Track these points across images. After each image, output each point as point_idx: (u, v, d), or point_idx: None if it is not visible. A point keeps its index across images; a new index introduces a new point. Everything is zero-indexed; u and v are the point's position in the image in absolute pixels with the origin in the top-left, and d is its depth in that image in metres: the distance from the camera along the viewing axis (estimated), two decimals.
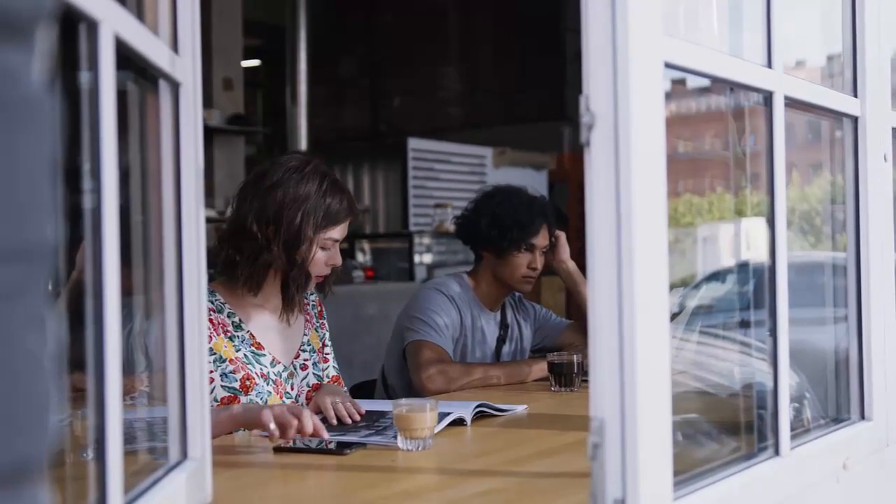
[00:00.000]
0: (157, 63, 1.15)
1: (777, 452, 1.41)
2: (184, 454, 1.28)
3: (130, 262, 1.19)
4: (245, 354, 2.14)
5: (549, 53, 8.19)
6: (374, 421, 2.02)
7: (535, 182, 6.55)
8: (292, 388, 2.22)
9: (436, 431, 1.82)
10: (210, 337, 2.08)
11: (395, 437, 1.78)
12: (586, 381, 2.42)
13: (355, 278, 5.94)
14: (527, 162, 7.60)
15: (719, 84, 1.47)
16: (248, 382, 2.10)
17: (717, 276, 2.24)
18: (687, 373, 1.60)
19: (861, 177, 1.71)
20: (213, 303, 2.14)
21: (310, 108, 7.72)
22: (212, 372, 2.07)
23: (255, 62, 9.35)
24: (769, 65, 1.41)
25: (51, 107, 0.58)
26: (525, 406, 2.26)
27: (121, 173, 0.95)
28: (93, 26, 0.90)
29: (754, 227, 1.61)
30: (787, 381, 1.42)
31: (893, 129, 1.80)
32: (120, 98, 0.96)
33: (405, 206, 7.20)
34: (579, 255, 2.47)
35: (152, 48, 1.12)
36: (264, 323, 2.21)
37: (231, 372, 2.10)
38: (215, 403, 2.07)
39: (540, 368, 2.68)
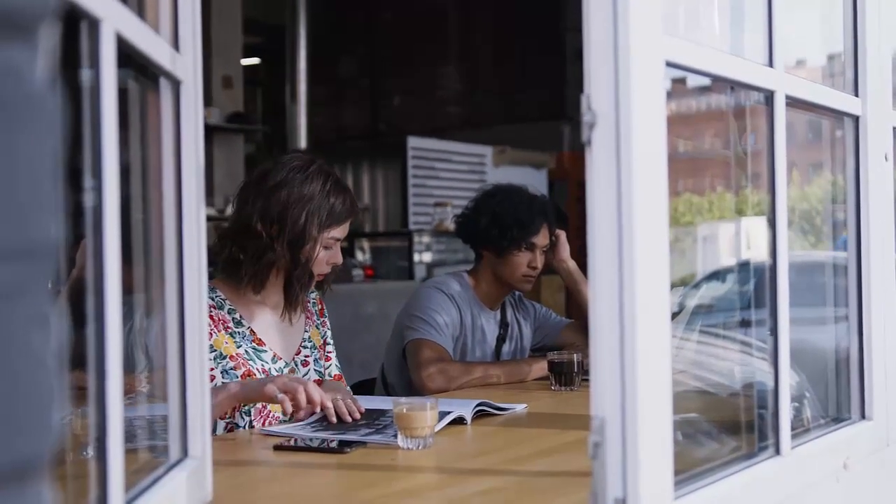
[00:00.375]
0: (158, 61, 1.15)
1: (777, 452, 1.41)
2: (184, 452, 1.28)
3: (131, 260, 1.19)
4: (246, 351, 2.14)
5: (549, 53, 8.19)
6: (374, 419, 2.02)
7: (534, 181, 6.54)
8: None
9: (436, 430, 1.82)
10: (211, 334, 2.08)
11: (396, 435, 1.79)
12: (586, 380, 2.42)
13: (355, 277, 5.94)
14: (526, 161, 7.60)
15: (720, 83, 1.47)
16: (248, 379, 2.10)
17: (717, 275, 2.24)
18: (687, 372, 1.60)
19: (862, 176, 1.71)
20: (213, 299, 2.14)
21: (309, 106, 7.72)
22: (212, 369, 2.07)
23: (254, 60, 9.35)
24: (770, 64, 1.41)
25: (54, 105, 0.58)
26: (525, 405, 2.26)
27: (121, 171, 0.95)
28: (94, 24, 0.90)
29: (754, 227, 1.61)
30: (788, 380, 1.42)
31: (894, 128, 1.80)
32: (121, 96, 0.96)
33: (405, 204, 7.20)
34: (578, 254, 2.48)
35: (153, 46, 1.12)
36: (265, 320, 2.22)
37: (232, 368, 2.10)
38: None
39: (540, 367, 2.68)
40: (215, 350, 2.09)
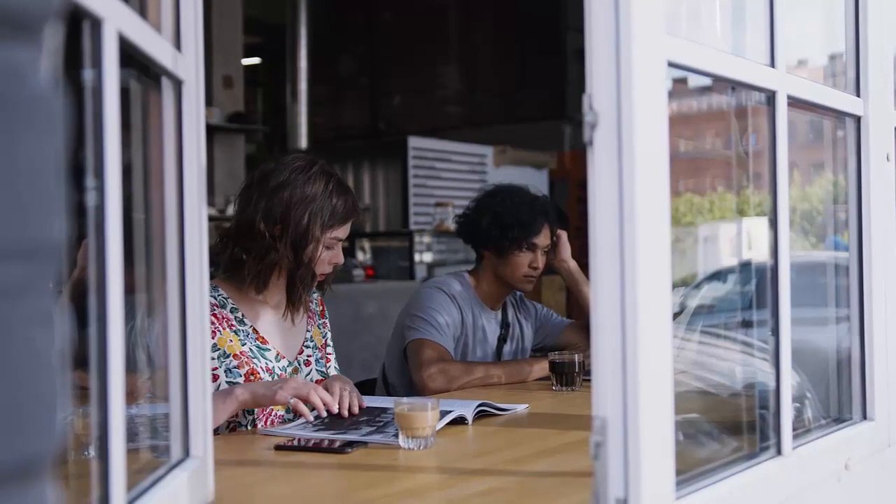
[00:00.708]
0: (160, 61, 1.15)
1: (779, 452, 1.41)
2: (186, 452, 1.28)
3: (133, 260, 1.19)
4: (250, 349, 2.15)
5: (550, 53, 8.20)
6: (374, 417, 2.02)
7: (535, 181, 6.55)
8: None
9: (436, 429, 1.82)
10: (214, 332, 2.09)
11: (397, 435, 1.79)
12: (587, 380, 2.43)
13: (355, 277, 5.94)
14: (527, 161, 7.60)
15: (721, 83, 1.46)
16: (252, 377, 2.11)
17: (718, 275, 2.24)
18: (688, 372, 1.60)
19: (863, 176, 1.71)
20: (215, 298, 2.15)
21: (310, 106, 7.73)
22: (216, 368, 2.07)
23: (255, 60, 9.35)
24: (772, 64, 1.41)
25: (58, 105, 0.57)
26: (526, 405, 2.26)
27: (123, 171, 0.95)
28: (96, 24, 0.90)
29: (756, 227, 1.61)
30: (790, 380, 1.42)
31: None
32: (123, 96, 0.96)
33: (405, 204, 7.20)
34: (579, 254, 2.48)
35: (155, 46, 1.12)
36: (267, 319, 2.22)
37: (235, 367, 2.10)
38: None
39: (541, 368, 2.68)
40: (219, 349, 2.10)
